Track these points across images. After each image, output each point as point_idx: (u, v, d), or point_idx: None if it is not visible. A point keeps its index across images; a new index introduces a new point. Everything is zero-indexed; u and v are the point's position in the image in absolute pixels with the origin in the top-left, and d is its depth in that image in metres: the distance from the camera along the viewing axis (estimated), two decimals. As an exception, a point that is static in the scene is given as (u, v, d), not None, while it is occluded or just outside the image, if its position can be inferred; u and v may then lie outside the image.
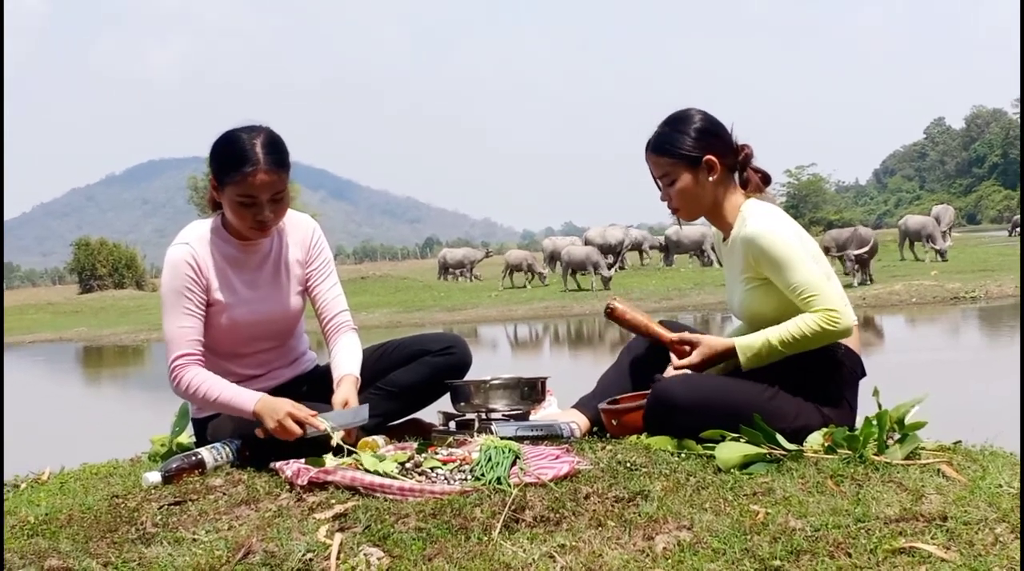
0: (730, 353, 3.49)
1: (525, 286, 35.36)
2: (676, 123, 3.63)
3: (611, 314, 3.73)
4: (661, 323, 3.72)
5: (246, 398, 3.47)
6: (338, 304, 3.85)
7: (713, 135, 3.62)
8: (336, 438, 3.31)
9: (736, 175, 3.67)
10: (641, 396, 3.63)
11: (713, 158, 3.58)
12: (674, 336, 3.60)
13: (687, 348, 3.56)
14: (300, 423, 3.34)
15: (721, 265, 3.90)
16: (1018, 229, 54.53)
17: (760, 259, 3.47)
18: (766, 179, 3.72)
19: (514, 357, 18.39)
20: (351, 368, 3.69)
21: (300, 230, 3.83)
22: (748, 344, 3.47)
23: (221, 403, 3.51)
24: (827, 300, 3.38)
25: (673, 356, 3.60)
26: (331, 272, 3.88)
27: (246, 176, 3.43)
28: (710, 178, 3.58)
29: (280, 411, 3.35)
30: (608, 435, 3.64)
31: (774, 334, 3.43)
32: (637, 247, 39.61)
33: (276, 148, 3.51)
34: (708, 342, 3.53)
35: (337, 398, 3.54)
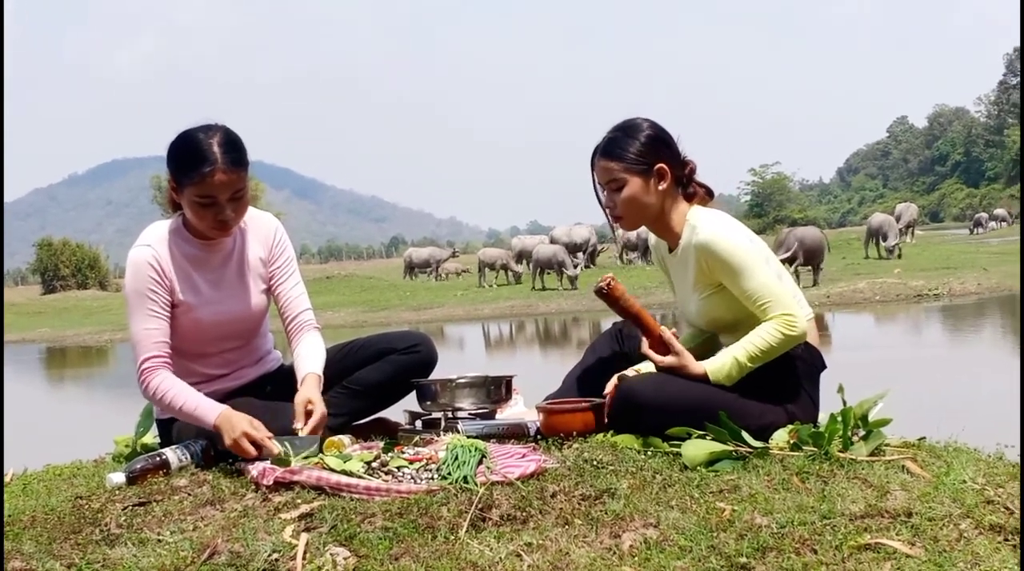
0: (699, 378, 3.48)
1: (492, 285, 35.35)
2: (628, 130, 3.60)
3: (606, 293, 3.55)
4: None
5: (208, 410, 3.44)
6: (301, 303, 3.82)
7: (664, 144, 3.61)
8: (293, 460, 3.27)
9: (680, 189, 3.66)
10: (579, 401, 3.67)
11: (664, 166, 3.57)
12: (664, 332, 3.57)
13: (664, 349, 3.54)
14: (256, 444, 3.32)
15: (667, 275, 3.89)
16: (979, 227, 55.06)
17: (714, 265, 3.46)
18: (710, 193, 3.72)
19: (480, 356, 18.40)
20: (314, 367, 3.66)
21: (262, 228, 3.80)
22: (718, 368, 3.46)
23: (185, 412, 3.49)
24: (782, 305, 3.40)
25: (646, 345, 3.57)
26: (294, 271, 3.85)
27: (204, 176, 3.40)
28: (659, 187, 3.57)
29: (237, 430, 3.33)
30: (575, 434, 3.63)
31: (740, 353, 3.43)
32: (634, 248, 39.14)
33: (233, 146, 3.47)
34: (685, 360, 3.50)
35: (299, 397, 3.51)
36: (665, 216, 3.63)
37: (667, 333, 3.54)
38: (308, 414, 3.47)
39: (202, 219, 3.49)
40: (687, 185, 3.65)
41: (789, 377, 3.53)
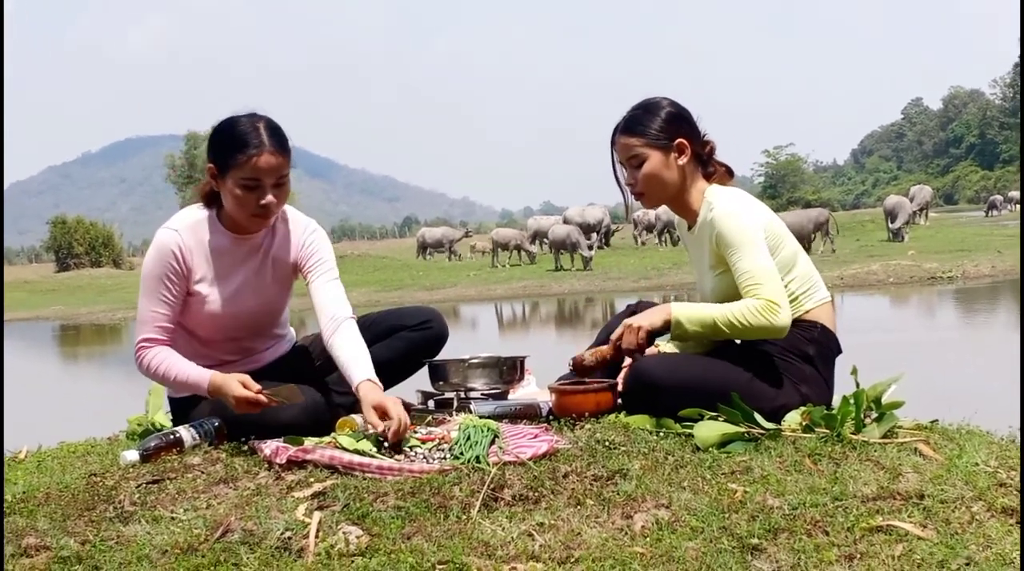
0: (664, 323, 3.48)
1: (505, 266, 35.31)
2: (648, 107, 3.63)
3: (581, 370, 3.67)
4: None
5: (200, 379, 3.46)
6: (335, 299, 3.71)
7: (684, 120, 3.64)
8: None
9: (700, 168, 3.67)
10: (591, 382, 3.67)
11: (684, 141, 3.58)
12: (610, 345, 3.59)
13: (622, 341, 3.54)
14: (255, 402, 3.35)
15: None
16: (994, 210, 54.82)
17: (717, 239, 3.47)
18: (730, 172, 3.74)
19: (493, 336, 18.39)
20: (366, 372, 3.47)
21: (296, 229, 3.75)
22: (687, 308, 3.47)
23: (179, 382, 3.52)
24: (769, 292, 3.38)
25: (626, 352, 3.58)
26: (328, 269, 3.76)
27: (251, 158, 3.40)
28: (679, 162, 3.58)
29: (230, 397, 3.36)
30: (587, 415, 3.63)
31: (719, 313, 3.41)
32: (651, 229, 38.88)
33: (278, 132, 3.50)
34: (632, 323, 3.51)
35: (368, 412, 3.29)
36: (685, 193, 3.64)
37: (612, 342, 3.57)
38: (383, 417, 3.26)
39: (244, 205, 3.48)
40: (707, 164, 3.66)
41: (804, 360, 3.52)
